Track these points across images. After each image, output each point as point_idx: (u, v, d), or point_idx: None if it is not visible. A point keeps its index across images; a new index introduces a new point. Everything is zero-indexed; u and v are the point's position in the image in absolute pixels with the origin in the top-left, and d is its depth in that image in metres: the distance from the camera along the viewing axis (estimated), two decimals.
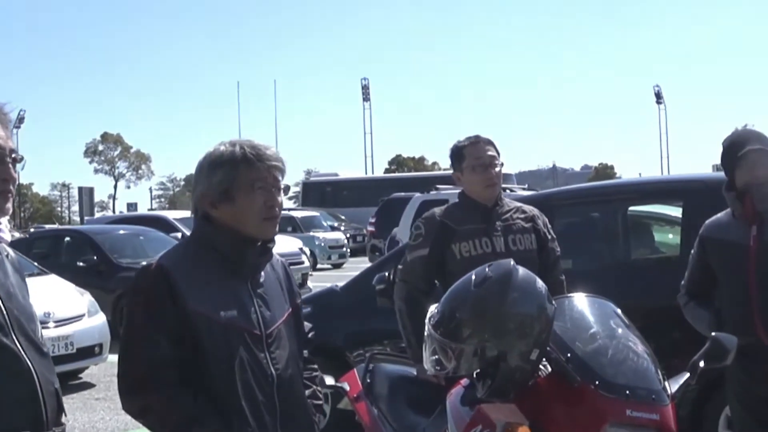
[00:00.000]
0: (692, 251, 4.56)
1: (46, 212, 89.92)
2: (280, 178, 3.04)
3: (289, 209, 39.48)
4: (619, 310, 3.53)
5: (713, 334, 3.62)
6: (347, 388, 4.82)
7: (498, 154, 4.79)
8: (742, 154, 4.21)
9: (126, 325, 2.93)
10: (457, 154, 4.80)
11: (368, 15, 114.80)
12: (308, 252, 26.71)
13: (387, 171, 78.10)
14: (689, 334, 4.56)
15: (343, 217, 38.73)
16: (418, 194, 18.18)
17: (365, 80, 72.84)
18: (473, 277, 3.26)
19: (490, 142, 4.79)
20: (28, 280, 2.80)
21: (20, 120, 71.34)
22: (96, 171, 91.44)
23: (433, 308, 3.37)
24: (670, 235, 8.35)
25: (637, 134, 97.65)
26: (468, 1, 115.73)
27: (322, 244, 31.62)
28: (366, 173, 61.14)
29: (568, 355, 3.26)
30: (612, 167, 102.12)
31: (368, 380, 4.78)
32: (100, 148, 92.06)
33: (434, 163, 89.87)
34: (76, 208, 72.85)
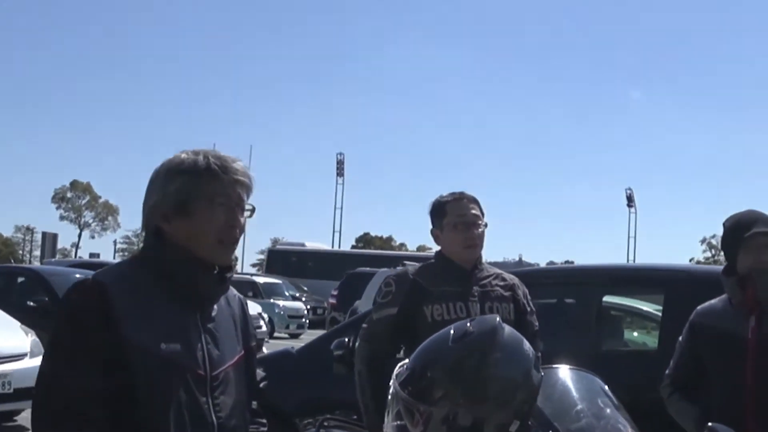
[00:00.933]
0: (680, 338, 4.21)
1: (6, 254, 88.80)
2: (245, 196, 2.69)
3: (252, 275, 39.12)
4: (606, 387, 3.18)
5: (710, 424, 3.26)
6: None
7: (482, 214, 4.47)
8: (749, 236, 3.88)
9: (48, 347, 2.53)
10: (439, 209, 4.49)
11: (350, 91, 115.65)
12: (267, 318, 26.46)
13: (354, 248, 77.80)
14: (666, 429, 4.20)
15: (305, 288, 38.37)
16: (384, 269, 17.86)
17: (341, 155, 72.85)
18: (452, 331, 2.86)
19: (474, 201, 4.49)
20: None
21: None
22: (62, 218, 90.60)
23: (401, 364, 2.96)
24: (644, 330, 8.17)
25: (605, 235, 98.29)
26: (451, 92, 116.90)
27: (282, 312, 31.19)
28: (333, 247, 60.82)
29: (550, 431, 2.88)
30: None
31: None
32: (69, 195, 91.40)
33: (402, 244, 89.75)
34: (38, 252, 72.15)
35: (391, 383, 2.90)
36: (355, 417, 4.82)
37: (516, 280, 4.59)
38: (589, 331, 7.42)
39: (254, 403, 2.89)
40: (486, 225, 4.46)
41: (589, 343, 7.45)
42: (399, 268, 4.57)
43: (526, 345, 2.85)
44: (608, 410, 3.06)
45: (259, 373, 2.96)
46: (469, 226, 4.38)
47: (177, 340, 2.54)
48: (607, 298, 7.60)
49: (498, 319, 2.88)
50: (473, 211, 4.43)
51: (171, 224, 2.61)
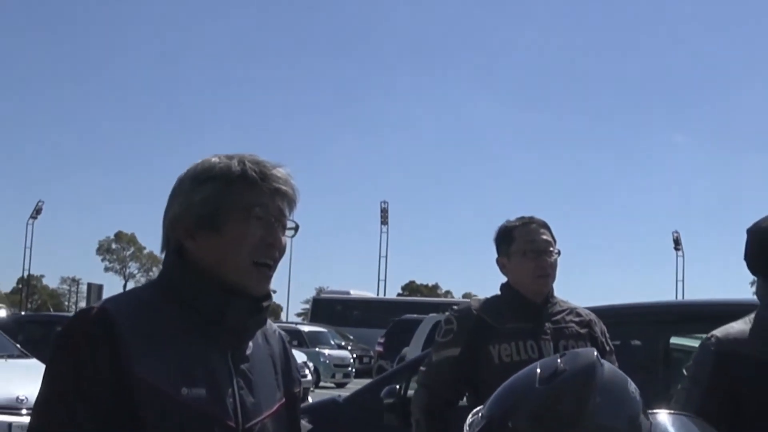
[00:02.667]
0: (692, 373, 3.48)
1: (54, 305, 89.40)
2: (287, 210, 2.22)
3: (297, 323, 38.80)
4: None
5: None
6: None
7: (554, 241, 3.97)
8: None
9: (42, 389, 2.05)
10: (505, 235, 4.00)
11: (393, 139, 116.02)
12: (312, 368, 26.08)
13: (399, 296, 77.36)
14: None
15: (351, 337, 37.97)
16: (432, 314, 17.39)
17: (384, 203, 72.60)
18: (538, 369, 2.33)
19: (545, 225, 4.01)
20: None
21: (38, 211, 71.54)
22: (107, 269, 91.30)
23: (475, 412, 2.44)
24: None
25: (652, 279, 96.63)
26: (494, 140, 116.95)
27: (327, 362, 30.79)
28: (378, 295, 60.41)
29: None
30: None
31: None
32: (113, 246, 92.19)
33: (447, 292, 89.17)
34: (83, 304, 72.52)
35: None
36: None
37: (593, 316, 4.10)
38: (657, 374, 6.93)
39: None
40: (559, 252, 3.97)
41: (655, 390, 6.93)
42: (460, 305, 4.06)
43: (632, 386, 2.32)
44: None
45: (305, 425, 2.49)
46: (540, 254, 3.91)
47: (202, 383, 2.07)
48: (675, 339, 7.05)
49: (596, 353, 2.35)
50: (544, 237, 3.96)
51: (196, 241, 2.15)
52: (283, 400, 2.30)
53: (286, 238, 2.22)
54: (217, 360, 2.12)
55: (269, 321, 2.35)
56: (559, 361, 2.32)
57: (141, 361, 2.00)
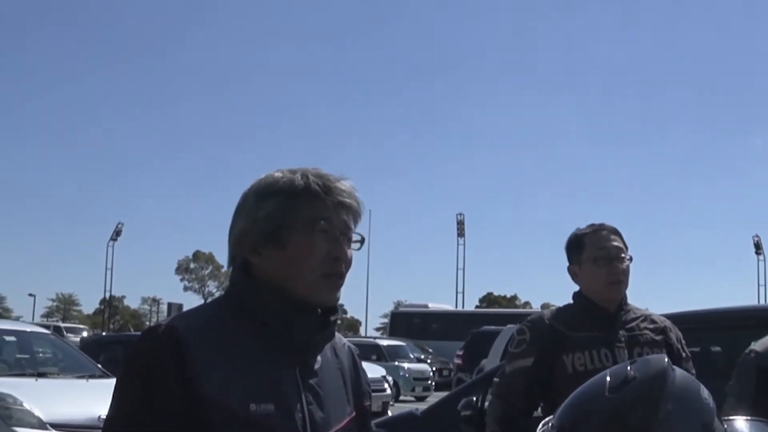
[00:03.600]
0: (738, 393, 3.35)
1: (135, 325, 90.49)
2: (352, 223, 2.20)
3: (376, 338, 38.72)
4: None
5: None
6: None
7: (626, 247, 3.90)
8: None
9: (112, 405, 2.05)
10: (576, 243, 3.94)
11: (467, 149, 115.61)
12: (391, 381, 25.97)
13: (477, 308, 76.91)
14: None
15: (430, 350, 37.80)
16: (511, 325, 17.19)
17: (461, 215, 72.32)
18: (608, 378, 2.28)
19: (616, 232, 3.94)
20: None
21: (117, 233, 72.57)
22: (186, 288, 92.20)
23: (546, 422, 2.39)
24: None
25: (733, 284, 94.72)
26: (567, 145, 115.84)
27: (407, 375, 30.64)
28: (456, 308, 60.05)
29: None
30: None
31: None
32: (192, 266, 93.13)
33: (526, 303, 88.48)
34: None
35: None
36: None
37: (668, 323, 4.01)
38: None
39: None
40: (631, 259, 3.90)
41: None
42: (533, 315, 4.00)
43: (705, 392, 2.26)
44: None
45: None
46: (612, 260, 3.84)
47: (271, 399, 2.05)
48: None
49: (666, 360, 2.30)
50: (615, 243, 3.89)
51: (262, 256, 2.14)
52: (353, 414, 2.28)
53: (352, 251, 2.21)
54: (286, 375, 2.11)
55: (338, 335, 2.33)
56: (629, 368, 2.28)
57: (209, 378, 1.99)
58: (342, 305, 2.32)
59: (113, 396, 2.07)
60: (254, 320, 2.12)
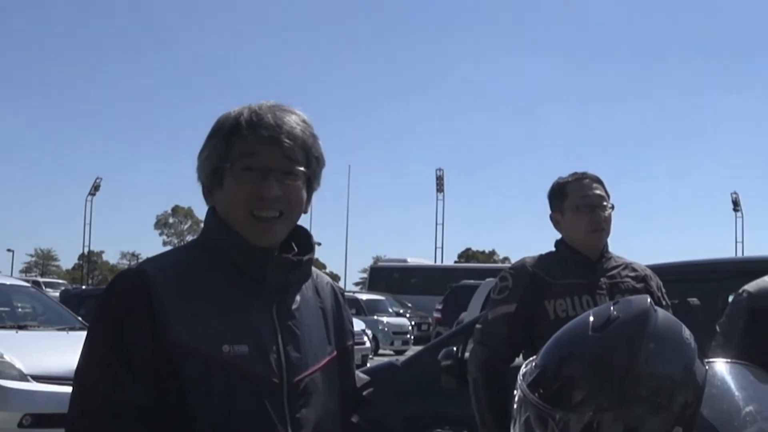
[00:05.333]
0: (726, 332, 3.30)
1: None
2: (294, 156, 2.13)
3: (354, 292, 38.77)
4: None
5: None
6: None
7: (608, 196, 3.92)
8: None
9: (83, 352, 2.05)
10: (558, 191, 3.96)
11: (448, 105, 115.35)
12: (371, 335, 26.13)
13: (457, 263, 77.02)
14: None
15: (409, 304, 37.82)
16: (490, 279, 17.23)
17: (440, 171, 72.27)
18: (591, 318, 2.30)
19: (598, 180, 3.95)
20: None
21: (96, 187, 72.19)
22: (165, 243, 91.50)
23: (529, 362, 2.41)
24: None
25: (710, 241, 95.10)
26: (546, 103, 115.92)
27: (386, 329, 30.76)
28: (435, 263, 60.10)
29: None
30: None
31: None
32: (171, 220, 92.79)
33: (505, 258, 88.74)
34: None
35: (517, 385, 2.37)
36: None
37: (648, 271, 4.06)
38: (715, 333, 6.75)
39: (356, 417, 2.38)
40: (613, 207, 3.92)
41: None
42: (515, 262, 4.02)
43: (687, 333, 2.28)
44: None
45: (361, 377, 2.43)
46: (594, 208, 3.86)
47: (244, 340, 2.05)
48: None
49: (649, 300, 2.32)
50: (597, 192, 3.90)
51: (213, 197, 2.15)
52: (334, 353, 2.27)
53: (299, 188, 2.15)
54: (260, 316, 2.10)
55: (322, 274, 2.33)
56: (612, 308, 2.30)
57: (179, 320, 1.99)
58: (319, 243, 2.27)
59: (84, 341, 2.07)
60: (225, 262, 2.11)
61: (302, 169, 2.16)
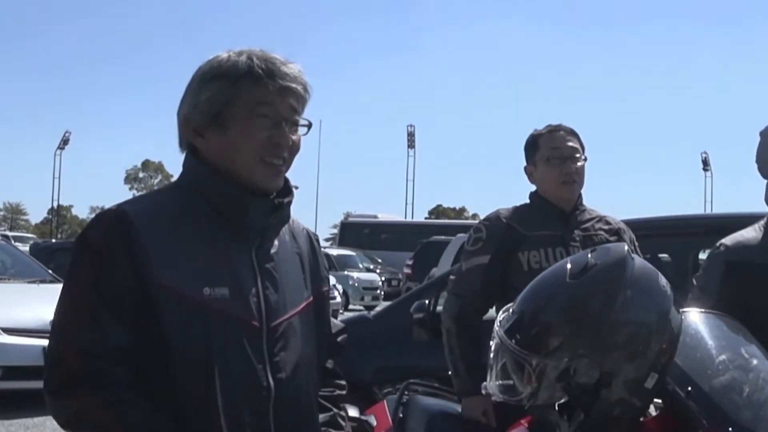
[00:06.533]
0: (703, 278, 3.35)
1: None
2: (299, 108, 2.17)
3: (325, 248, 38.76)
4: (749, 334, 2.62)
5: None
6: (374, 422, 3.85)
7: (582, 148, 3.93)
8: None
9: (62, 294, 2.05)
10: (532, 143, 3.97)
11: (419, 62, 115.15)
12: (341, 290, 26.21)
13: (427, 219, 77.12)
14: None
15: (379, 260, 37.87)
16: (461, 234, 17.25)
17: (411, 127, 72.10)
18: (569, 265, 2.32)
19: (572, 132, 3.95)
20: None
21: (65, 141, 71.55)
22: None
23: (506, 308, 2.43)
24: None
25: (680, 200, 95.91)
26: (517, 56, 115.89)
27: (356, 285, 30.71)
28: (405, 219, 60.11)
29: (689, 389, 2.33)
30: None
31: (401, 415, 3.84)
32: (141, 175, 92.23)
33: (475, 215, 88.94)
34: None
35: (494, 332, 2.38)
36: (436, 386, 4.35)
37: (622, 225, 4.08)
38: (685, 289, 6.77)
39: (330, 362, 2.41)
40: (586, 159, 3.92)
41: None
42: (489, 214, 4.01)
43: (663, 280, 2.31)
44: (755, 361, 2.50)
45: (336, 323, 2.46)
46: (565, 160, 3.87)
47: (224, 283, 2.06)
48: (704, 254, 6.92)
49: (626, 248, 2.34)
50: (570, 144, 3.90)
51: (205, 139, 2.13)
52: (311, 298, 2.29)
53: (299, 136, 2.19)
54: (241, 259, 2.12)
55: (298, 220, 2.34)
56: (589, 255, 2.32)
57: (160, 262, 2.00)
58: (296, 186, 2.27)
59: (64, 284, 2.07)
60: (206, 205, 2.11)
61: (308, 120, 2.20)
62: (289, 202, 2.21)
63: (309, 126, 2.21)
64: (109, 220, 2.04)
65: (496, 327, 2.38)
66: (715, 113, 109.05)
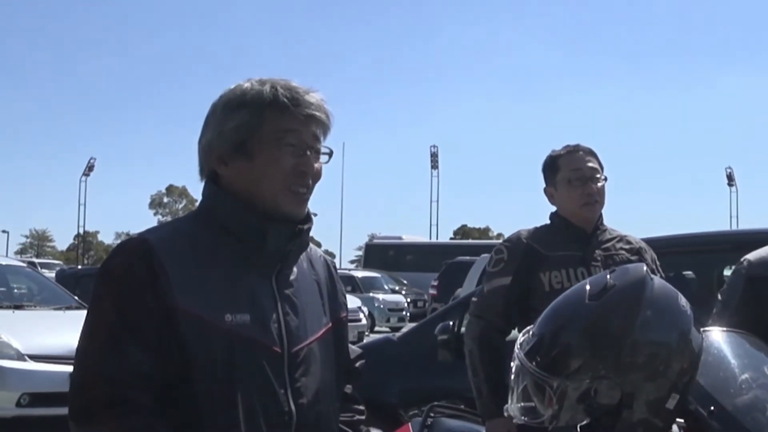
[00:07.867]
0: (725, 300, 3.28)
1: None
2: (321, 136, 2.19)
3: (350, 270, 38.74)
4: None
5: None
6: None
7: (601, 168, 3.93)
8: None
9: (86, 322, 2.07)
10: (551, 165, 3.97)
11: (442, 82, 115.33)
12: (367, 312, 26.14)
13: (452, 239, 77.03)
14: None
15: (404, 281, 37.82)
16: (485, 255, 17.20)
17: (434, 147, 72.20)
18: (588, 286, 2.32)
19: (591, 153, 3.96)
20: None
21: (90, 168, 72.00)
22: (159, 223, 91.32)
23: (526, 331, 2.43)
24: None
25: (705, 216, 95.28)
26: (541, 79, 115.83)
27: (382, 306, 30.72)
28: (430, 239, 60.04)
29: (712, 408, 2.32)
30: None
31: None
32: (165, 200, 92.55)
33: (499, 235, 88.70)
34: None
35: (515, 354, 2.38)
36: (462, 407, 4.35)
37: (643, 244, 4.07)
38: (711, 306, 6.69)
39: (349, 388, 2.43)
40: (606, 179, 3.92)
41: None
42: (510, 235, 4.02)
43: (682, 300, 2.30)
44: None
45: (354, 349, 2.48)
46: (587, 181, 3.87)
47: (245, 309, 2.08)
48: (729, 271, 6.87)
49: (645, 268, 2.34)
50: (590, 164, 3.91)
51: (228, 167, 2.15)
52: (330, 324, 2.31)
53: (321, 164, 2.21)
54: (261, 286, 2.14)
55: (315, 247, 2.36)
56: (608, 276, 2.32)
57: (182, 290, 2.02)
58: (315, 213, 2.29)
59: (88, 312, 2.09)
60: (226, 232, 2.13)
61: (329, 148, 2.23)
62: (309, 229, 2.23)
63: (330, 154, 2.23)
64: (131, 248, 2.07)
65: (516, 349, 2.37)
66: (739, 127, 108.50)
